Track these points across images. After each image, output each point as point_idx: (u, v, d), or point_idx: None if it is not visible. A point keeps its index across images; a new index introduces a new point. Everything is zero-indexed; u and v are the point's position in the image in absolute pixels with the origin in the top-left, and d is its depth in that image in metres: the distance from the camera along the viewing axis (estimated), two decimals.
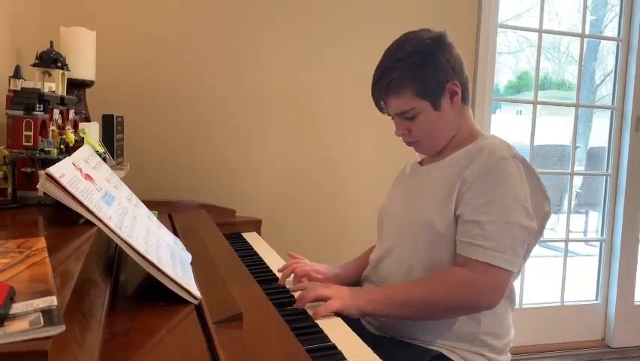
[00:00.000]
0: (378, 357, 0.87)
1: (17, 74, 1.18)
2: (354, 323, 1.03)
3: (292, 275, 1.27)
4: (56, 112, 1.12)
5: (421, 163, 1.31)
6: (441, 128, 1.19)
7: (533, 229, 1.09)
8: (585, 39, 2.81)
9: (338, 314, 1.04)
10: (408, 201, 1.25)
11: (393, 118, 1.23)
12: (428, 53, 1.14)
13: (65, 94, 1.23)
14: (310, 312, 1.02)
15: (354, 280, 1.35)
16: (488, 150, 1.11)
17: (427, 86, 1.15)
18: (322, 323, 0.97)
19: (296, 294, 1.13)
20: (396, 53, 1.17)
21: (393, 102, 1.18)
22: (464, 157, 1.15)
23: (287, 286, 1.21)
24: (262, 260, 1.44)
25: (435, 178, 1.19)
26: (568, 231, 2.89)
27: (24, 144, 0.99)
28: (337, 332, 0.94)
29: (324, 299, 1.05)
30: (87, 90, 1.65)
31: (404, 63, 1.14)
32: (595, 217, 3.17)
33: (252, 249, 1.57)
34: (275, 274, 1.30)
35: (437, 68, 1.14)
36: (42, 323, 0.43)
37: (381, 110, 1.23)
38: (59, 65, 1.21)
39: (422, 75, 1.14)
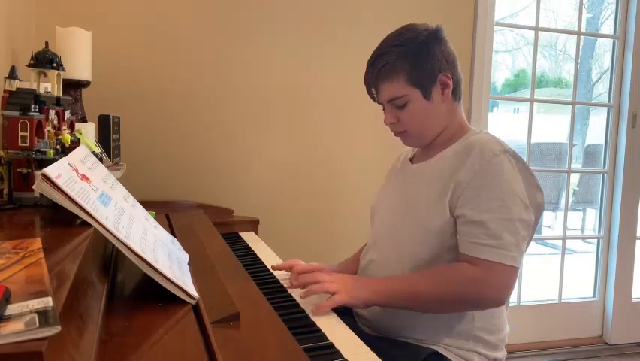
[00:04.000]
0: (376, 356, 0.87)
1: (12, 74, 1.17)
2: (348, 322, 1.03)
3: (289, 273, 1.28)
4: (52, 112, 1.11)
5: (411, 160, 1.32)
6: (430, 118, 1.20)
7: (532, 221, 1.10)
8: (582, 37, 2.82)
9: (337, 309, 1.05)
10: (399, 200, 1.26)
11: (383, 107, 1.23)
12: (424, 43, 1.17)
13: (61, 94, 1.23)
14: (310, 309, 1.03)
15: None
16: (479, 149, 1.12)
17: (419, 74, 1.16)
18: (320, 322, 0.97)
19: (294, 293, 1.13)
20: (393, 39, 1.19)
21: (385, 88, 1.19)
22: (455, 156, 1.16)
23: (284, 285, 1.21)
24: (259, 260, 1.44)
25: (426, 177, 1.20)
26: (565, 228, 2.90)
27: (20, 144, 0.98)
28: (335, 331, 0.94)
29: (330, 293, 1.06)
30: (83, 90, 1.65)
31: (399, 49, 1.16)
32: (592, 214, 3.18)
33: (250, 248, 1.57)
34: (273, 274, 1.30)
35: (431, 57, 1.16)
36: (37, 324, 0.43)
37: (372, 97, 1.24)
38: (55, 65, 1.20)
39: (416, 62, 1.16)
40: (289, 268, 1.29)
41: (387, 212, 1.28)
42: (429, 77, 1.17)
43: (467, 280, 1.06)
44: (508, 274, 1.05)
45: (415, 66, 1.16)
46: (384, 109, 1.23)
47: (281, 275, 1.29)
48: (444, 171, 1.15)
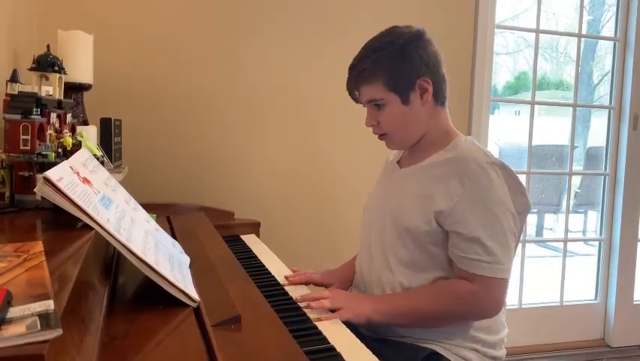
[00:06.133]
0: (377, 359, 0.87)
1: (14, 77, 1.17)
2: (345, 324, 1.03)
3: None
4: (54, 116, 1.12)
5: (399, 163, 1.32)
6: (408, 123, 1.20)
7: (517, 227, 1.15)
8: (582, 39, 2.82)
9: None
10: (386, 203, 1.27)
11: (366, 108, 1.24)
12: (403, 48, 1.16)
13: (63, 97, 1.23)
14: (314, 315, 1.03)
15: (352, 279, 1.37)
16: (466, 162, 1.13)
17: (397, 79, 1.16)
18: (321, 325, 0.97)
19: (295, 295, 1.13)
20: (374, 43, 1.19)
21: (364, 90, 1.20)
22: (441, 165, 1.16)
23: (286, 288, 1.21)
24: (261, 262, 1.44)
25: (413, 183, 1.21)
26: (567, 231, 2.89)
27: (21, 147, 0.99)
28: (336, 334, 0.94)
29: (336, 309, 1.08)
30: (85, 93, 1.65)
31: (378, 54, 1.16)
32: (594, 217, 3.17)
33: (251, 251, 1.57)
34: (274, 276, 1.30)
35: (410, 62, 1.16)
36: (39, 327, 0.43)
37: (354, 99, 1.25)
38: (56, 68, 1.21)
39: (394, 68, 1.15)
40: (303, 282, 1.30)
41: (376, 215, 1.30)
42: (406, 83, 1.16)
43: (466, 296, 1.11)
44: (503, 287, 1.11)
45: (393, 71, 1.15)
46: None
47: (282, 277, 1.29)
48: (430, 180, 1.16)
